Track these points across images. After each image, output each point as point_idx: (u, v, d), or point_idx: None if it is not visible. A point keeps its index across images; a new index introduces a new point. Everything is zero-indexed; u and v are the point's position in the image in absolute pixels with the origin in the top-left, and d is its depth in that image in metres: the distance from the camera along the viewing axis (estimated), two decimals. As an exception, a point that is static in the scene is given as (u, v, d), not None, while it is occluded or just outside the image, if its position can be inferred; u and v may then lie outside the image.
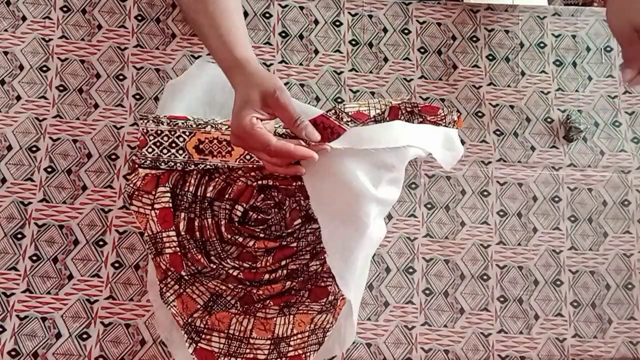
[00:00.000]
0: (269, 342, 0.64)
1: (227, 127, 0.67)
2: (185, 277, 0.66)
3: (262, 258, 0.67)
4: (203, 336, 0.64)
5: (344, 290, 0.60)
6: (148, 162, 0.66)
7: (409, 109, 0.69)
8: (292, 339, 0.64)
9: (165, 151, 0.67)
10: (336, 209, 0.62)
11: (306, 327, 0.64)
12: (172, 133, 0.67)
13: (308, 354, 0.63)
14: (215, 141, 0.67)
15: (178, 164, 0.66)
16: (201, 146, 0.67)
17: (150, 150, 0.67)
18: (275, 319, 0.65)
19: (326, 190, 0.62)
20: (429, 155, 0.66)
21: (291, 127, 0.59)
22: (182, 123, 0.67)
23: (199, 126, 0.67)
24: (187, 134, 0.67)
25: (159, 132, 0.67)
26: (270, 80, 0.59)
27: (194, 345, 0.63)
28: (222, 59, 0.63)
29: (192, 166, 0.67)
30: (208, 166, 0.67)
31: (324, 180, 0.62)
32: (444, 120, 0.70)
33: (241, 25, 0.66)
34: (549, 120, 0.79)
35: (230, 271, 0.66)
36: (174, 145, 0.67)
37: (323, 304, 0.65)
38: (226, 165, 0.67)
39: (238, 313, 0.65)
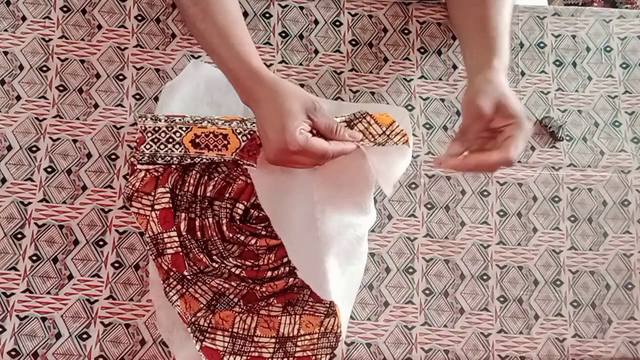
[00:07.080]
0: (273, 340, 0.64)
1: (223, 121, 0.68)
2: (188, 277, 0.66)
3: (264, 256, 0.67)
4: (207, 335, 0.64)
5: (325, 296, 0.61)
6: (146, 158, 0.67)
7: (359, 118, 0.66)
8: (299, 339, 0.64)
9: (162, 146, 0.67)
10: (292, 217, 0.63)
11: (315, 329, 0.64)
12: (170, 129, 0.67)
13: (319, 356, 0.63)
14: (211, 135, 0.67)
15: (174, 158, 0.67)
16: (197, 140, 0.67)
17: (148, 146, 0.67)
18: (279, 317, 0.65)
19: (283, 205, 0.64)
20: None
21: (331, 135, 0.59)
22: (180, 119, 0.68)
23: (196, 122, 0.67)
24: (184, 129, 0.67)
25: (156, 128, 0.67)
26: (302, 91, 0.59)
27: (200, 343, 0.63)
28: (233, 68, 0.61)
29: (189, 160, 0.67)
30: (205, 160, 0.67)
31: (281, 197, 0.64)
32: (391, 128, 0.65)
33: (248, 36, 0.65)
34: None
35: (233, 270, 0.66)
36: (171, 140, 0.67)
37: (328, 306, 0.65)
38: (222, 159, 0.67)
39: (241, 312, 0.65)
